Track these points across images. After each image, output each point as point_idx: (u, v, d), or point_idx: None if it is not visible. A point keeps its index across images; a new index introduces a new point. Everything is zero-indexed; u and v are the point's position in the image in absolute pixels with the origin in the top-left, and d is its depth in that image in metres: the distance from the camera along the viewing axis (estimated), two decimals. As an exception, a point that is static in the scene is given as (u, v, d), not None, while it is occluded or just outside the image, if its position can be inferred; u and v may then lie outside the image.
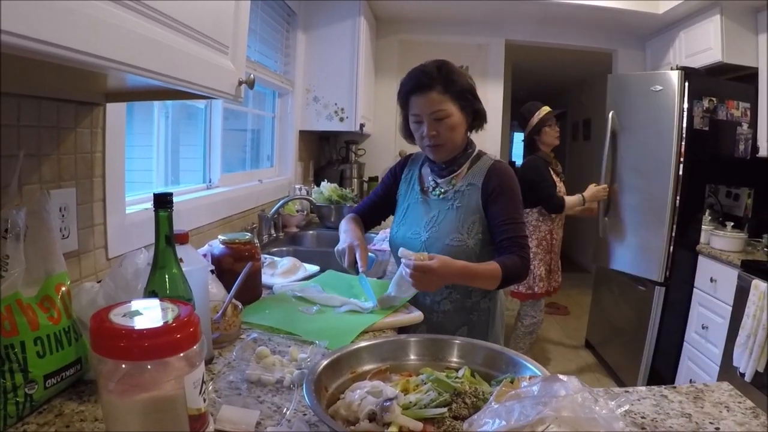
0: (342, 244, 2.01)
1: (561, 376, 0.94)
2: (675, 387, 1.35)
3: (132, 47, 0.97)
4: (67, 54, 0.80)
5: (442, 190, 2.05)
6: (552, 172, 4.09)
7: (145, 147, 2.48)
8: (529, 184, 3.85)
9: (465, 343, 1.29)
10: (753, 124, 4.01)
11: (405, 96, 1.99)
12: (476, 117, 2.04)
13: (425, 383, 1.08)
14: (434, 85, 1.91)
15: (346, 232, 2.10)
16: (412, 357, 1.26)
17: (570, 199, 4.08)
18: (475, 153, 2.09)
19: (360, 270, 1.90)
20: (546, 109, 4.13)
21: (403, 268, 1.74)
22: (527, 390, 0.94)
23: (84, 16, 0.83)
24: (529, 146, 4.25)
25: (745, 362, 3.03)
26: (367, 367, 1.18)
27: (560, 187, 4.10)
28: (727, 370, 3.24)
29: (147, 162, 2.48)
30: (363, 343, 1.24)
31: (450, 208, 2.01)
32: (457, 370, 1.19)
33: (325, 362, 1.10)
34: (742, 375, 3.04)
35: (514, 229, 1.94)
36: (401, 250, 1.79)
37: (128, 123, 1.92)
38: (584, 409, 0.87)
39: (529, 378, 1.05)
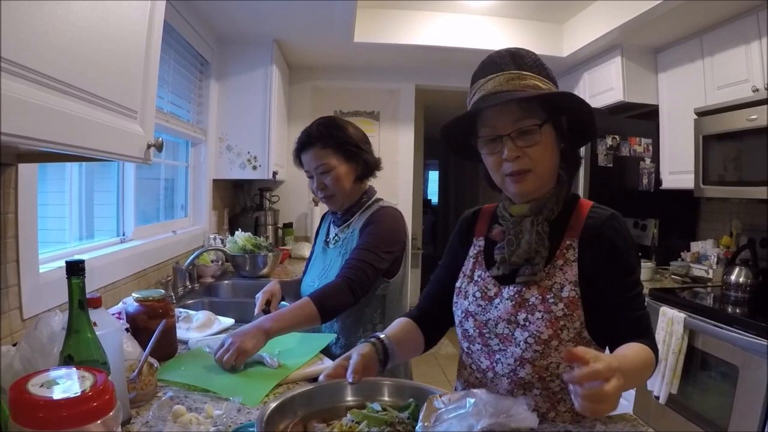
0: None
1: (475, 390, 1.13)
2: (579, 422, 1.37)
3: (37, 121, 1.01)
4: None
5: (337, 239, 2.18)
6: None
7: (59, 193, 2.44)
8: None
9: (365, 384, 1.32)
10: (655, 159, 4.31)
11: (297, 156, 2.16)
12: (366, 166, 2.15)
13: (355, 422, 1.13)
14: (315, 142, 2.08)
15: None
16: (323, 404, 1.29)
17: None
18: (370, 202, 2.19)
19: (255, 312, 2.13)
20: (485, 80, 1.40)
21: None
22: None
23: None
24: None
25: (658, 386, 3.18)
26: (282, 426, 1.20)
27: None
28: (644, 394, 3.38)
29: (61, 208, 2.44)
30: (273, 404, 1.21)
31: (338, 255, 2.13)
32: (363, 407, 1.24)
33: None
34: (657, 398, 3.19)
35: (355, 253, 2.01)
36: None
37: (40, 168, 1.90)
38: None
39: (440, 396, 1.17)
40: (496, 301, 1.41)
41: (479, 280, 1.48)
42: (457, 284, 1.54)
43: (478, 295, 1.46)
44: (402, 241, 2.12)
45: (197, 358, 1.88)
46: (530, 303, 1.35)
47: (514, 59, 1.37)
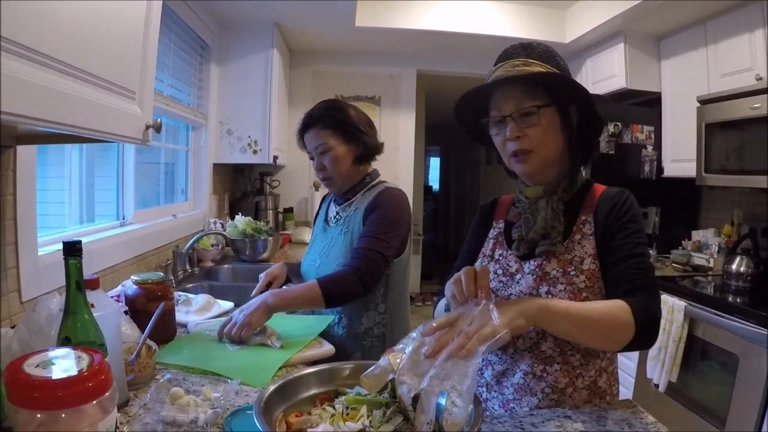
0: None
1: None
2: (578, 408, 1.38)
3: (36, 100, 1.00)
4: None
5: (339, 218, 2.20)
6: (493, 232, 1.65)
7: (59, 178, 2.43)
8: None
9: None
10: (657, 147, 4.30)
11: (300, 138, 2.19)
12: (365, 148, 2.16)
13: (351, 408, 1.13)
14: (315, 122, 2.11)
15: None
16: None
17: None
18: (374, 183, 2.20)
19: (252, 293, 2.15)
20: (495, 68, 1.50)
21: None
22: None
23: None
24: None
25: (658, 374, 3.19)
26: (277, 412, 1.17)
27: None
28: (643, 382, 3.39)
29: (61, 193, 2.43)
30: (272, 387, 1.18)
31: (340, 233, 2.14)
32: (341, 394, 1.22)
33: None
34: (657, 386, 3.20)
35: (364, 241, 2.02)
36: None
37: (40, 153, 1.90)
38: None
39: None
40: (518, 276, 1.46)
41: (500, 258, 1.53)
42: (476, 264, 1.57)
43: (500, 272, 1.50)
44: (407, 222, 2.14)
45: (197, 341, 1.88)
46: (551, 276, 1.39)
47: (525, 49, 1.46)
